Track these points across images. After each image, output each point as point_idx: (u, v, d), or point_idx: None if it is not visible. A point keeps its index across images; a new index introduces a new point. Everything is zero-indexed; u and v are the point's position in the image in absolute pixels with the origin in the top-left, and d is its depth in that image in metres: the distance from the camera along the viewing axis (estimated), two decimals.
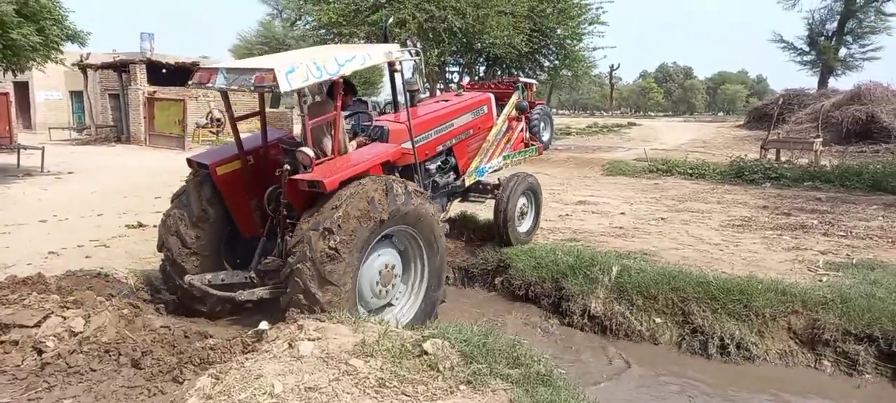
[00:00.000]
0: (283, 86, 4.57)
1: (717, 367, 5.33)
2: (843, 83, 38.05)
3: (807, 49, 39.60)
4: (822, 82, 36.97)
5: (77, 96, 30.45)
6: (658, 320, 5.82)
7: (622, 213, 10.17)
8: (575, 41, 23.78)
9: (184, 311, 5.65)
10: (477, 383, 3.72)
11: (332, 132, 5.32)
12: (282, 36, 42.29)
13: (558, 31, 23.12)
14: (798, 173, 14.16)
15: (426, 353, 3.96)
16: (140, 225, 8.72)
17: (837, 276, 6.35)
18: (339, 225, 4.65)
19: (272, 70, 4.58)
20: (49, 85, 30.32)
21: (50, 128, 26.11)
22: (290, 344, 4.11)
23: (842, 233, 8.53)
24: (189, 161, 5.81)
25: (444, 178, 7.15)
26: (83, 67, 24.66)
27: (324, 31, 22.56)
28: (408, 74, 6.31)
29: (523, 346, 4.27)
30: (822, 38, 38.40)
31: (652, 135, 29.78)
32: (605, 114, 60.63)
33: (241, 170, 5.62)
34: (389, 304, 5.54)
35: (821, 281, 6.21)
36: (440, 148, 6.94)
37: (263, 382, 3.63)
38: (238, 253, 5.88)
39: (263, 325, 4.51)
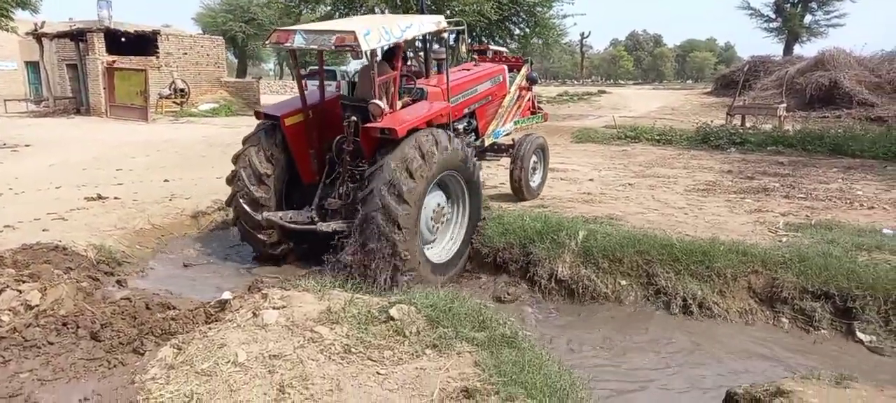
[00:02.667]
0: (364, 46, 5.20)
1: (683, 323, 5.44)
2: (808, 50, 38.78)
3: (773, 16, 40.19)
4: (788, 49, 37.61)
5: (33, 67, 29.27)
6: (623, 282, 5.91)
7: (590, 180, 10.26)
8: (545, 8, 23.64)
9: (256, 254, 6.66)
10: (442, 346, 3.74)
11: (391, 90, 6.05)
12: (246, 3, 41.21)
13: None
14: (762, 138, 14.42)
15: (392, 319, 3.96)
16: (100, 197, 8.49)
17: (797, 237, 6.50)
18: (413, 163, 5.41)
19: (353, 31, 5.17)
20: (2, 55, 29.11)
21: (5, 100, 25.09)
22: (254, 313, 4.07)
23: (802, 196, 8.74)
24: (257, 112, 6.57)
25: (468, 138, 7.75)
26: (38, 36, 23.70)
27: None
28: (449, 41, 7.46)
29: (489, 310, 4.29)
30: (788, 4, 38.96)
31: (621, 103, 30.00)
32: (575, 82, 60.78)
33: (303, 122, 6.36)
34: (435, 240, 6.27)
35: (781, 241, 6.35)
36: (466, 110, 7.70)
37: (227, 351, 3.60)
38: (294, 199, 6.62)
39: (226, 295, 4.46)
